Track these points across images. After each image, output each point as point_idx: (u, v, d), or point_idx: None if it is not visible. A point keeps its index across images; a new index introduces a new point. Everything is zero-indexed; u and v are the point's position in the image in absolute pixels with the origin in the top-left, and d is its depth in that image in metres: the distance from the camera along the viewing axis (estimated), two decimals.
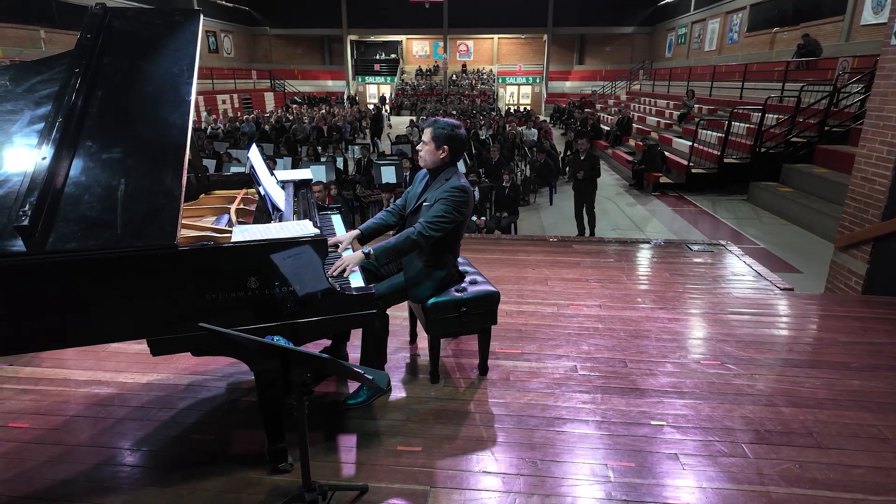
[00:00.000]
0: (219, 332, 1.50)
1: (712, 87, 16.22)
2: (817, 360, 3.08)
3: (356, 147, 11.49)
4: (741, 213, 9.41)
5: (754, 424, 2.48)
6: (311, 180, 3.06)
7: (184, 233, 2.25)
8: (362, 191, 8.99)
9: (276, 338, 1.64)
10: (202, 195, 2.97)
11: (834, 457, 2.27)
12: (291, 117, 19.95)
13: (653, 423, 2.48)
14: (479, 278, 2.82)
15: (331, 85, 31.61)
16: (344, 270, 2.24)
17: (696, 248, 5.18)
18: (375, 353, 2.60)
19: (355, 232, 2.59)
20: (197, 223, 2.43)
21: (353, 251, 2.40)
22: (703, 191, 10.81)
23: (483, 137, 14.71)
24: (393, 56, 33.77)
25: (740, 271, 4.62)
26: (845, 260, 4.68)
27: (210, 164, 9.13)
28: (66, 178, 1.81)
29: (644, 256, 5.08)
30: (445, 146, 2.51)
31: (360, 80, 32.73)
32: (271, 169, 2.80)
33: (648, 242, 5.40)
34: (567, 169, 7.85)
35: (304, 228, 1.98)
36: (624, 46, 29.30)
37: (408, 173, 8.82)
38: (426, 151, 2.55)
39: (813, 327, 3.67)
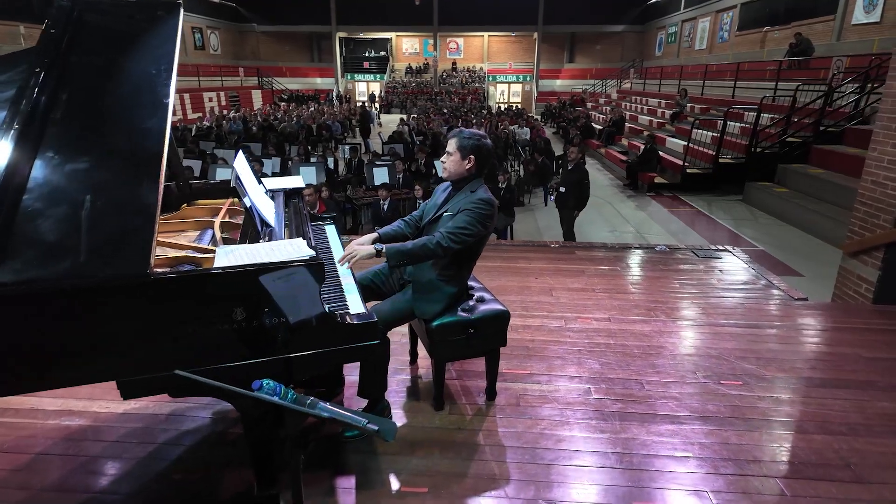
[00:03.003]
0: (198, 382, 1.27)
1: (704, 85, 16.14)
2: (843, 379, 2.91)
3: (346, 147, 11.24)
4: (737, 214, 9.30)
5: (786, 455, 2.30)
6: (302, 189, 2.83)
7: (161, 252, 2.02)
8: (353, 192, 8.74)
9: (264, 382, 1.43)
10: (184, 205, 2.74)
11: (877, 492, 2.09)
12: (280, 115, 19.61)
13: (677, 454, 2.29)
14: (486, 295, 2.61)
15: (319, 82, 31.22)
16: (353, 258, 2.19)
17: (701, 254, 5.01)
18: (375, 380, 2.38)
19: (374, 234, 2.44)
20: (177, 240, 2.20)
21: (368, 242, 2.30)
22: (697, 191, 10.71)
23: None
24: (382, 53, 33.43)
25: (750, 279, 4.45)
26: (854, 266, 4.54)
27: (196, 164, 8.84)
28: (20, 196, 1.57)
29: (649, 264, 4.89)
30: (472, 156, 2.36)
31: (349, 77, 32.36)
32: (259, 176, 2.57)
33: (652, 248, 5.22)
34: (552, 178, 7.51)
35: (298, 249, 1.76)
36: (614, 45, 29.19)
37: (401, 175, 8.59)
38: (451, 162, 2.39)
39: (833, 342, 3.49)
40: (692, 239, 7.91)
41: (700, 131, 11.56)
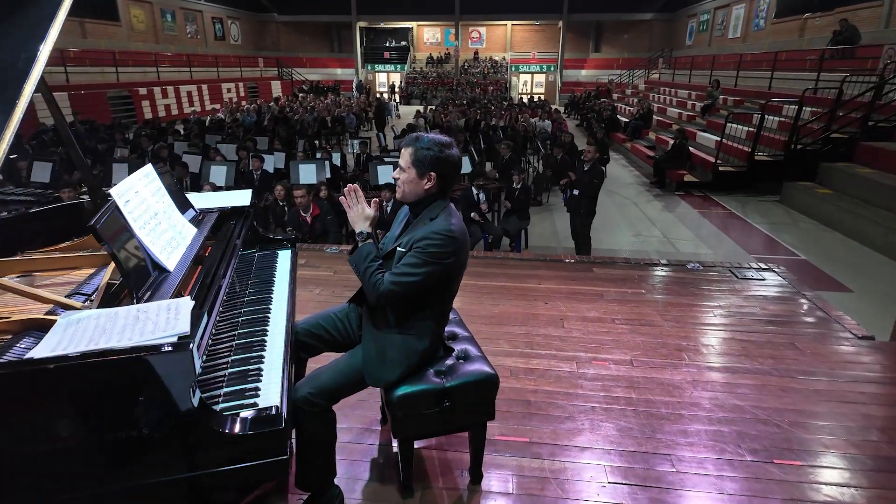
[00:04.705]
0: None
1: (738, 76, 15.21)
2: None
3: (356, 141, 10.69)
4: (775, 217, 8.53)
5: None
6: (246, 207, 2.29)
7: (11, 309, 1.49)
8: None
9: None
10: None
11: None
12: (295, 106, 19.16)
13: None
14: (471, 350, 2.03)
15: (339, 73, 30.82)
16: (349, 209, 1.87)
17: (740, 274, 4.33)
18: (317, 466, 1.82)
19: (375, 216, 1.91)
20: (54, 283, 1.67)
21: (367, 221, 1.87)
22: (731, 190, 9.94)
23: (495, 123, 13.81)
24: (403, 43, 32.85)
25: (801, 309, 3.75)
26: None
27: (195, 160, 8.37)
28: None
29: (678, 285, 4.18)
30: (432, 173, 1.79)
31: (369, 67, 31.87)
32: (181, 194, 2.02)
33: (683, 266, 4.54)
34: (560, 182, 6.72)
35: (171, 320, 1.20)
36: (642, 34, 28.12)
37: None
38: (405, 180, 1.82)
39: None
40: (725, 245, 7.20)
41: (734, 125, 10.73)
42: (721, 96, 14.37)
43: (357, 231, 1.86)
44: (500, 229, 6.90)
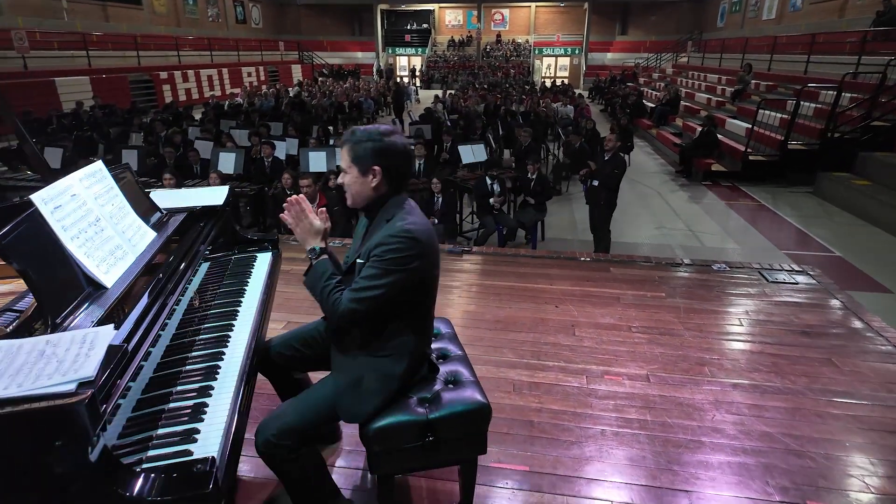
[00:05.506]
0: None
1: (771, 60, 14.54)
2: None
3: None
4: (807, 210, 8.08)
5: None
6: (219, 207, 2.07)
7: None
8: None
9: None
10: None
11: None
12: (314, 90, 18.97)
13: None
14: (463, 373, 1.80)
15: (360, 57, 30.54)
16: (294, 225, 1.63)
17: (771, 277, 3.99)
18: (310, 497, 1.63)
19: (321, 240, 1.66)
20: None
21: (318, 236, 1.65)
22: (761, 181, 9.48)
23: (515, 108, 13.41)
24: (424, 26, 32.35)
25: (838, 318, 3.42)
26: None
27: (206, 147, 8.22)
28: None
29: (703, 289, 3.83)
30: (375, 167, 1.56)
31: (390, 51, 31.49)
32: (143, 194, 1.82)
33: (708, 266, 4.21)
34: (580, 172, 6.34)
35: (79, 362, 0.99)
36: (671, 15, 27.17)
37: (422, 161, 7.73)
38: (349, 182, 1.60)
39: None
40: (754, 240, 6.82)
41: (766, 112, 10.21)
42: (753, 81, 13.76)
43: (308, 248, 1.63)
44: (516, 221, 6.62)
